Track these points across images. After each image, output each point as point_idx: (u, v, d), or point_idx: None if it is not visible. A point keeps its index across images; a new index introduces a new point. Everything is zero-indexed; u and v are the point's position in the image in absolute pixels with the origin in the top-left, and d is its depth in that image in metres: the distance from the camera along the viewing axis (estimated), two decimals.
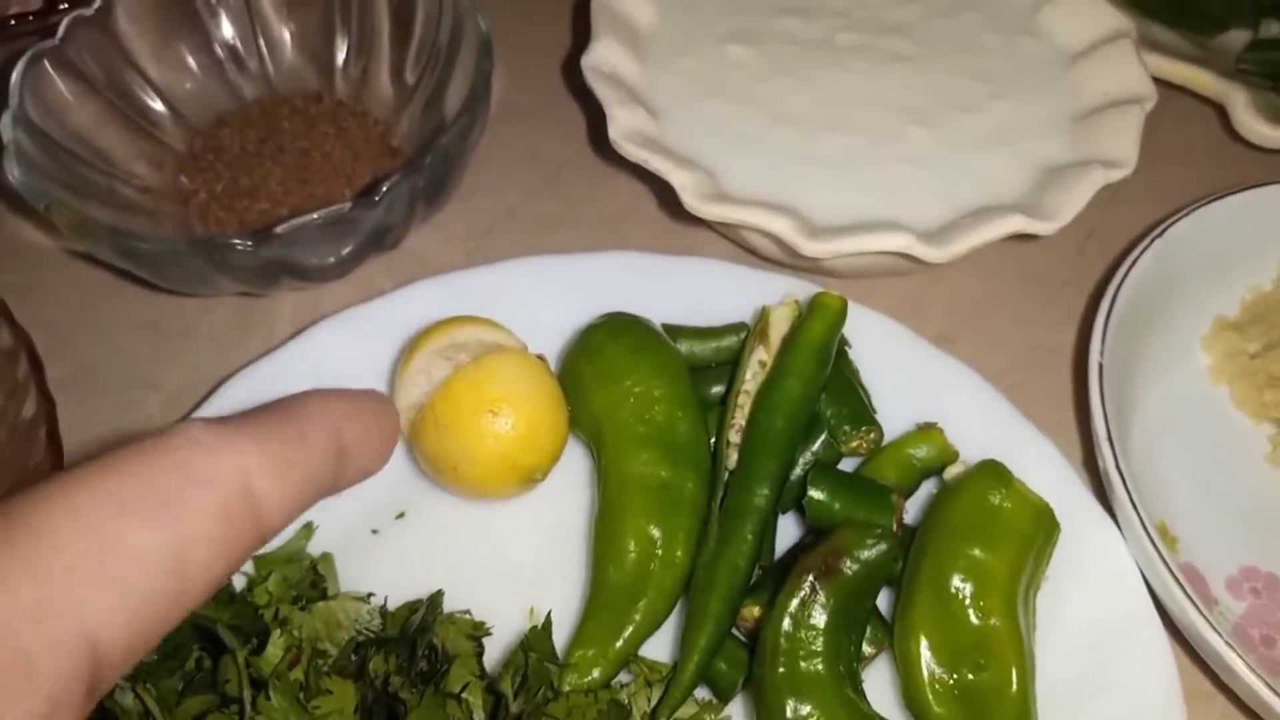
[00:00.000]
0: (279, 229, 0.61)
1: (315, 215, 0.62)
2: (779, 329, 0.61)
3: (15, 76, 0.69)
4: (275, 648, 0.48)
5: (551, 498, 0.62)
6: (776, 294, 0.65)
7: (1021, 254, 0.76)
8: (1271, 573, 0.60)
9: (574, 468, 0.63)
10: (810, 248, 0.61)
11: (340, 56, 0.81)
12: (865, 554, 0.50)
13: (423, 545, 0.60)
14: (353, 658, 0.51)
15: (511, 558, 0.60)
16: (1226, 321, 0.69)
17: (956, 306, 0.73)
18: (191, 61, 0.79)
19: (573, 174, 0.81)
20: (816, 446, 0.60)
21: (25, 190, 0.63)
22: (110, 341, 0.72)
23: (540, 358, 0.61)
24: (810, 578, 0.50)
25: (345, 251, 0.66)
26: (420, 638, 0.52)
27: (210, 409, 0.63)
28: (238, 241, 0.61)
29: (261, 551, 0.58)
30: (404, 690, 0.48)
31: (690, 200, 0.64)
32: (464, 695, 0.50)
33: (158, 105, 0.77)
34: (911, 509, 0.60)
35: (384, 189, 0.62)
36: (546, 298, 0.67)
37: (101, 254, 0.64)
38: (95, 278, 0.74)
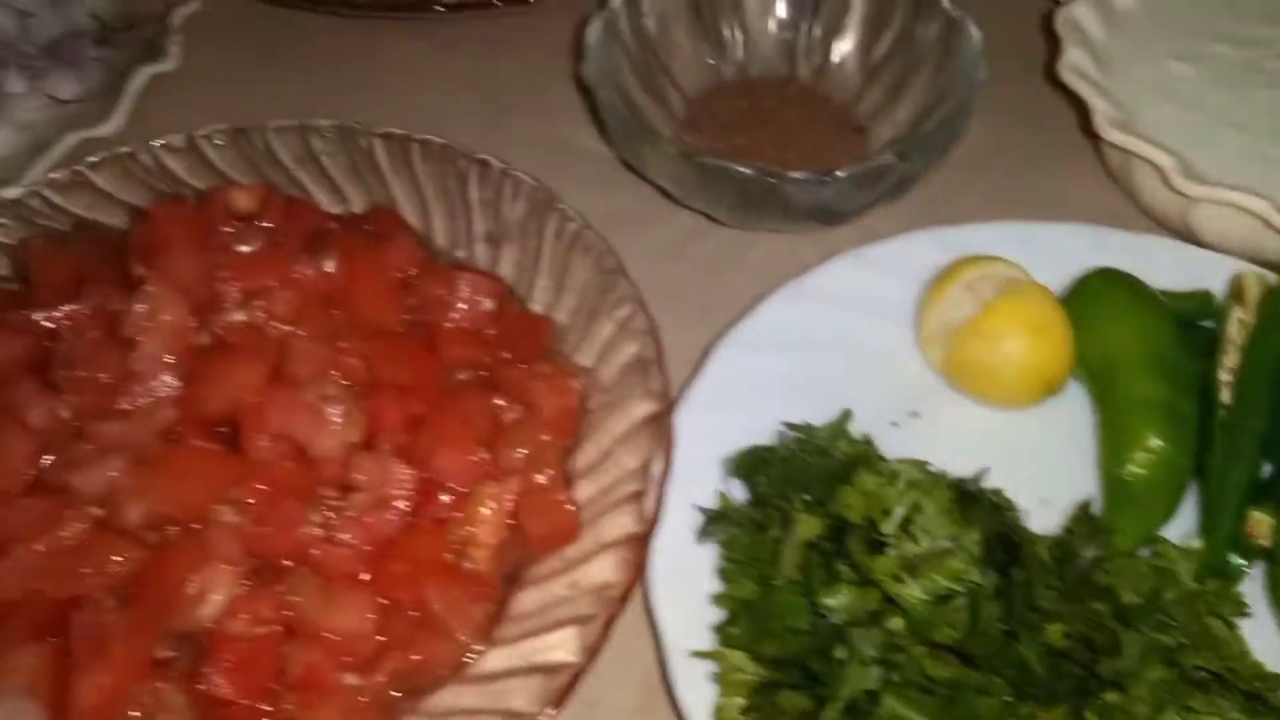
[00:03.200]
0: (840, 173, 0.76)
1: (863, 166, 0.77)
2: (1252, 292, 0.74)
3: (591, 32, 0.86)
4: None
5: (1052, 412, 0.75)
6: (1223, 272, 0.77)
7: None
8: None
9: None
10: None
11: (804, 45, 0.97)
12: None
13: (937, 440, 0.74)
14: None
15: (1020, 457, 0.72)
16: None
17: None
18: (687, 45, 0.96)
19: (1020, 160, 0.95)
20: None
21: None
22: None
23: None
24: None
25: (869, 198, 0.80)
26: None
27: (755, 320, 0.78)
28: (800, 175, 0.76)
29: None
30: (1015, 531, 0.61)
31: (1178, 181, 0.77)
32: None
33: (663, 76, 0.94)
34: None
35: (910, 146, 0.77)
36: (1020, 258, 0.81)
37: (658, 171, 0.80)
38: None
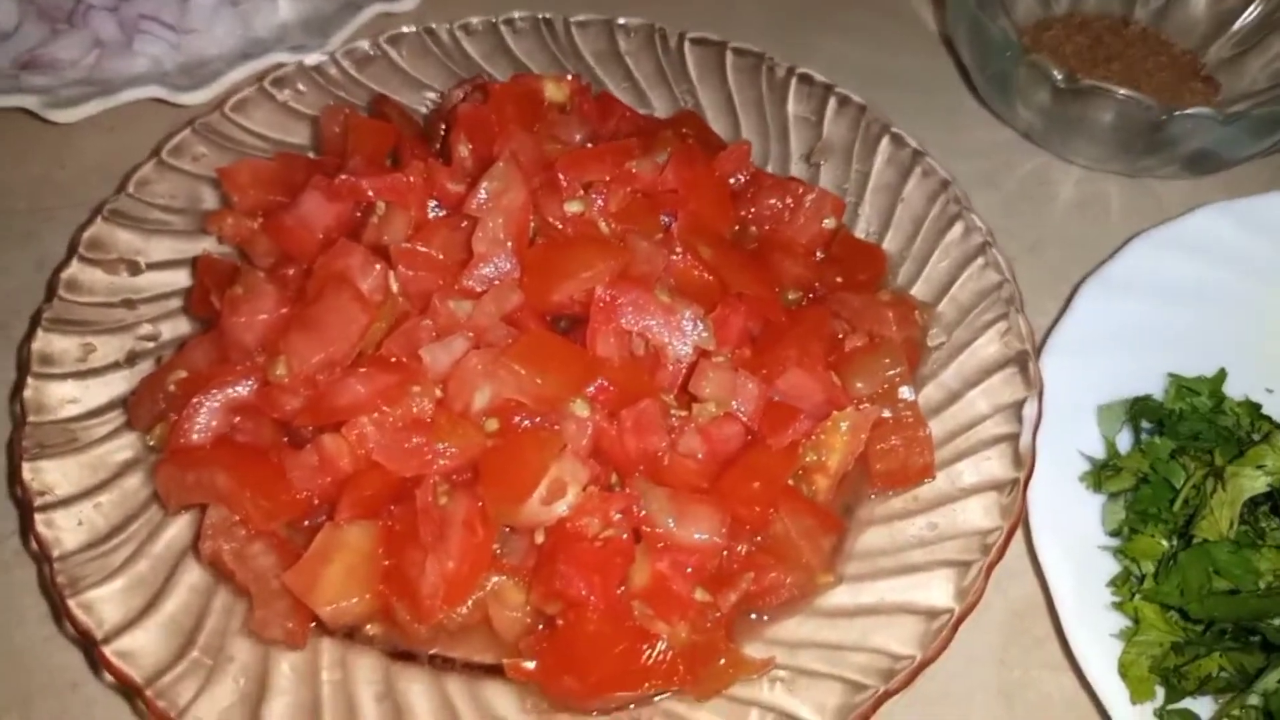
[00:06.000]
0: (1241, 110, 0.72)
1: (1268, 109, 0.72)
2: None
3: None
4: None
5: None
6: None
7: None
8: None
9: None
10: None
11: None
12: None
13: None
14: None
15: None
16: None
17: None
18: None
19: None
20: None
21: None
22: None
23: None
24: None
25: (1259, 146, 0.75)
26: None
27: (1120, 264, 0.74)
28: (1195, 111, 0.71)
29: None
30: None
31: None
32: None
33: (997, 4, 0.89)
34: None
35: None
36: None
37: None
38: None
